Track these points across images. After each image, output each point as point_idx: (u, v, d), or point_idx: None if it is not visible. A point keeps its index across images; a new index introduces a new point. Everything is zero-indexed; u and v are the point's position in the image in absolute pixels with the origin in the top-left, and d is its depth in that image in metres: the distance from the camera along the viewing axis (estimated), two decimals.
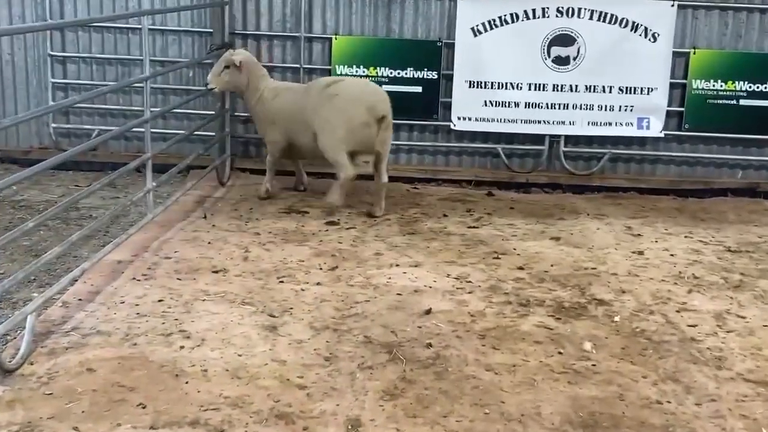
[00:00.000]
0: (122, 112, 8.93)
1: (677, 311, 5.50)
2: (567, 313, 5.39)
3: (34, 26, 8.11)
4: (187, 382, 4.29)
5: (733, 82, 8.69)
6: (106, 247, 5.83)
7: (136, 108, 8.79)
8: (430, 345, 4.82)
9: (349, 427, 3.92)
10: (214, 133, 8.52)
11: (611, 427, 4.00)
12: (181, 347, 4.70)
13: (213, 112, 8.58)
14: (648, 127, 8.72)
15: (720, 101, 8.73)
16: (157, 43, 8.84)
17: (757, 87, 8.68)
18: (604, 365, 4.66)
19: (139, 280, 5.71)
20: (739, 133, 8.81)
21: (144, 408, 4.02)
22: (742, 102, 8.72)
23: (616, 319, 5.33)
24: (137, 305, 5.26)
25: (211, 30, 8.67)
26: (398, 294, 5.60)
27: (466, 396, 4.25)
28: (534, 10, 8.50)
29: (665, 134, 8.76)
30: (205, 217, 7.23)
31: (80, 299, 5.31)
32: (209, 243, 6.53)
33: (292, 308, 5.30)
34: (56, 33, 8.81)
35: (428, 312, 5.30)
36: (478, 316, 5.28)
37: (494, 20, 8.52)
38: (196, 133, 8.15)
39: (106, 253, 5.72)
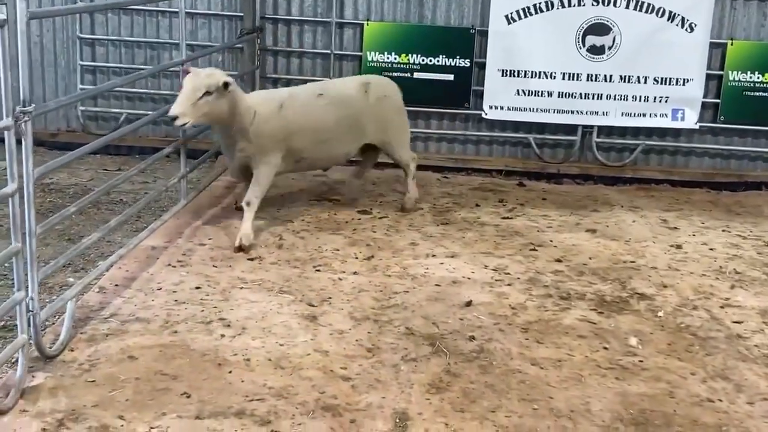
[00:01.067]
0: (150, 96, 8.86)
1: (721, 307, 5.44)
2: (609, 307, 5.34)
3: (74, 8, 7.99)
4: (230, 372, 4.25)
5: None
6: (142, 233, 5.79)
7: (164, 92, 8.75)
8: (473, 338, 4.78)
9: (397, 420, 3.88)
10: None
11: (663, 426, 3.95)
12: (222, 336, 4.66)
13: None
14: (683, 119, 8.61)
15: (757, 93, 8.62)
16: (186, 26, 8.75)
17: None
18: (651, 361, 4.61)
19: (174, 267, 5.68)
20: None
21: (188, 397, 3.99)
22: None
23: (660, 314, 5.27)
24: (175, 292, 5.23)
25: (242, 14, 8.59)
26: (437, 285, 5.55)
27: (513, 390, 4.20)
28: None
29: (700, 126, 8.66)
30: (236, 203, 7.16)
31: (117, 285, 5.28)
32: None
33: (330, 297, 5.26)
34: (85, 15, 8.76)
35: (469, 304, 5.25)
36: (520, 309, 5.23)
37: (529, 8, 8.41)
38: None
39: (141, 239, 5.68)
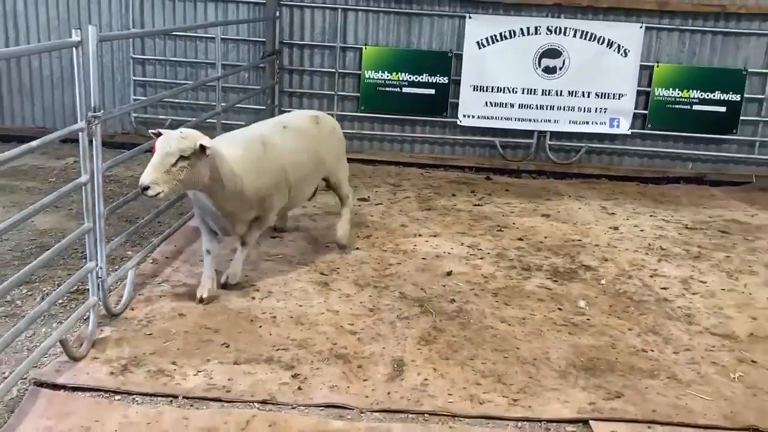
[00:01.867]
0: (190, 105, 8.79)
1: (651, 276, 5.45)
2: (562, 276, 5.34)
3: (132, 33, 7.89)
4: (260, 326, 4.25)
5: (688, 91, 8.57)
6: (186, 216, 5.74)
7: (201, 102, 8.69)
8: (453, 300, 4.78)
9: (395, 366, 3.89)
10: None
11: (607, 371, 3.97)
12: (253, 298, 4.65)
13: (264, 107, 8.47)
14: (618, 126, 8.62)
15: (677, 106, 8.62)
16: (220, 49, 8.68)
17: (708, 95, 8.57)
18: (596, 319, 4.63)
19: None
20: (691, 132, 8.70)
21: (227, 347, 3.99)
22: (695, 107, 8.60)
23: (603, 282, 5.28)
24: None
25: (264, 39, 8.52)
26: (423, 258, 5.53)
27: (487, 343, 4.22)
28: (528, 28, 8.36)
29: (632, 132, 8.66)
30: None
31: (167, 257, 5.26)
32: None
33: (338, 268, 5.24)
34: (137, 39, 8.68)
35: (449, 273, 5.24)
36: (490, 278, 5.22)
37: (495, 36, 8.38)
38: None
39: (186, 221, 5.65)
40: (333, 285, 4.93)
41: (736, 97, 8.54)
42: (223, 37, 8.46)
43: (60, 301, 4.30)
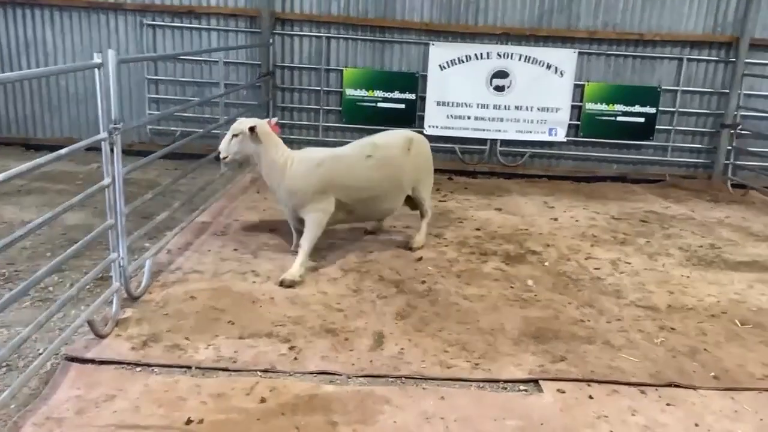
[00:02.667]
0: (197, 118, 8.59)
1: (585, 259, 5.43)
2: (513, 260, 5.30)
3: (144, 57, 7.70)
4: (260, 306, 4.15)
5: (613, 105, 8.59)
6: (195, 213, 5.62)
7: (207, 116, 8.50)
8: (424, 282, 4.72)
9: (376, 338, 3.82)
10: None
11: (553, 338, 3.94)
12: (254, 282, 4.54)
13: None
14: (556, 135, 8.61)
15: (604, 117, 8.64)
16: (221, 71, 8.52)
17: (629, 108, 8.60)
18: (542, 295, 4.60)
19: (218, 236, 5.51)
20: (615, 139, 8.73)
21: (233, 324, 3.89)
22: (619, 118, 8.63)
23: (546, 264, 5.25)
24: (219, 252, 5.09)
25: (260, 62, 8.37)
26: (397, 247, 5.46)
27: (452, 317, 4.17)
28: (481, 53, 8.32)
29: (567, 139, 8.66)
30: (258, 192, 7.00)
31: (179, 248, 5.12)
32: (264, 210, 6.33)
33: (326, 256, 5.14)
34: (151, 62, 8.47)
35: (420, 259, 5.18)
36: (454, 262, 5.17)
37: (455, 59, 8.32)
38: None
39: (195, 217, 5.52)
40: (322, 270, 4.84)
41: (652, 110, 8.59)
42: (225, 60, 8.32)
43: (87, 287, 4.15)
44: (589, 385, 3.40)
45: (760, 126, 8.54)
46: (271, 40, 8.27)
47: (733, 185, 8.47)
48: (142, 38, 8.37)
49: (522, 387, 3.40)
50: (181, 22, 8.38)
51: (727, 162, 8.63)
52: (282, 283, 4.48)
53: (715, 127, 8.64)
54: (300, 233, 4.91)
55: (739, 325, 4.24)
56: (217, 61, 7.83)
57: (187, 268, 4.72)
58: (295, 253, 4.80)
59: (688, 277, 5.11)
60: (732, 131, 8.49)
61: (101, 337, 3.58)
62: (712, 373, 3.57)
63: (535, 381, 3.44)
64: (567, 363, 3.61)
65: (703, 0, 8.30)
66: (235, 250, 5.16)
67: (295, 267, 4.61)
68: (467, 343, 3.81)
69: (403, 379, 3.42)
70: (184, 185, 7.03)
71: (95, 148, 3.66)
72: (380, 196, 5.11)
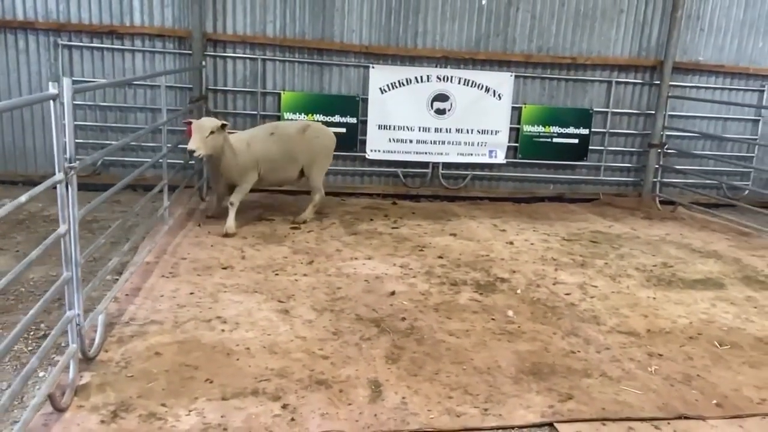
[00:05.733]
0: (125, 147, 7.94)
1: (554, 284, 5.39)
2: (485, 288, 5.18)
3: (101, 84, 7.01)
4: (237, 359, 3.75)
5: (549, 127, 8.78)
6: (142, 252, 5.09)
7: (133, 143, 7.88)
8: (404, 318, 4.47)
9: (373, 387, 3.52)
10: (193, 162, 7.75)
11: (550, 373, 3.82)
12: (222, 330, 4.12)
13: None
14: (496, 156, 8.68)
15: (541, 139, 8.81)
16: (148, 95, 7.95)
17: (564, 130, 8.82)
18: (525, 326, 4.48)
19: (167, 277, 5.01)
20: (552, 160, 8.92)
21: (211, 383, 3.47)
22: (555, 140, 8.83)
23: (518, 291, 5.16)
24: (175, 297, 4.60)
25: (191, 86, 7.87)
26: (365, 281, 5.19)
27: (444, 356, 3.95)
28: (422, 77, 8.26)
29: (507, 161, 8.74)
30: (199, 226, 6.51)
31: (127, 294, 4.59)
32: (211, 246, 5.86)
33: (293, 295, 4.80)
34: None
35: (393, 293, 4.94)
36: (427, 295, 4.97)
37: (395, 83, 8.21)
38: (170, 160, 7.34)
39: (143, 257, 4.99)
40: (293, 312, 4.48)
41: (585, 131, 8.86)
42: (152, 84, 7.79)
43: (29, 348, 3.60)
44: (604, 425, 3.28)
45: (684, 145, 9.01)
46: (203, 63, 7.81)
47: (661, 202, 8.87)
48: (57, 60, 7.66)
49: None
50: (102, 43, 7.75)
51: (655, 180, 9.03)
52: (226, 235, 6.04)
53: (643, 146, 9.03)
54: (223, 198, 6.58)
55: (719, 346, 4.31)
56: (141, 85, 7.30)
57: (143, 318, 4.22)
58: (214, 217, 6.61)
59: (654, 298, 5.18)
60: (659, 150, 8.89)
61: (61, 411, 3.06)
62: (714, 401, 3.57)
63: (550, 424, 3.27)
64: (575, 401, 3.48)
65: (629, 25, 8.68)
66: (192, 293, 4.70)
67: (231, 220, 6.17)
68: (468, 385, 3.60)
69: None
70: (107, 220, 6.42)
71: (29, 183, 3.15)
72: (280, 166, 6.57)
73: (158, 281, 4.90)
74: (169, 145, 5.82)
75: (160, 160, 5.57)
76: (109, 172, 7.91)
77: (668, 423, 3.33)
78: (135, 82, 7.79)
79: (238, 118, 8.20)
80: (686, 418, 3.39)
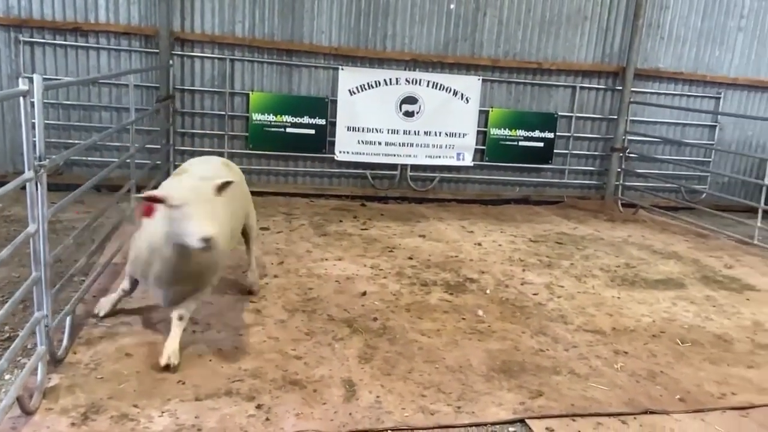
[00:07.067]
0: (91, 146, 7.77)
1: (521, 284, 5.48)
2: (455, 289, 5.24)
3: (74, 81, 6.74)
4: (210, 360, 3.72)
5: (515, 130, 8.93)
6: (108, 252, 4.99)
7: (99, 143, 7.71)
8: (375, 319, 4.50)
9: (347, 386, 3.54)
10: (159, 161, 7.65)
11: (521, 371, 3.89)
12: (194, 331, 4.08)
13: (159, 146, 7.70)
14: (463, 159, 8.78)
15: (507, 142, 8.95)
16: (113, 94, 7.81)
17: (529, 133, 8.98)
18: (495, 326, 4.55)
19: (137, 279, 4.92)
20: (518, 163, 9.07)
21: (183, 384, 3.44)
22: (521, 143, 8.98)
23: (487, 292, 5.24)
24: (144, 298, 4.51)
25: (158, 85, 7.76)
26: (336, 281, 5.20)
27: (417, 356, 3.99)
28: (390, 79, 8.31)
29: (474, 164, 8.85)
30: None
31: (95, 296, 4.49)
32: None
33: (264, 296, 4.78)
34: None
35: (364, 294, 4.96)
36: (399, 295, 5.01)
37: (364, 85, 8.24)
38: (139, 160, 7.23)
39: (112, 258, 4.90)
40: (265, 312, 4.47)
41: (551, 135, 9.03)
42: (118, 83, 7.66)
43: None
44: (573, 420, 3.36)
45: (644, 149, 9.27)
46: (170, 62, 7.70)
47: (623, 204, 9.10)
48: (18, 57, 7.46)
49: (511, 429, 3.29)
50: (65, 40, 7.58)
51: (618, 183, 9.26)
52: (167, 368, 3.51)
53: (606, 150, 9.24)
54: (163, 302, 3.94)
55: (681, 344, 4.45)
56: (107, 84, 7.17)
57: (112, 320, 4.15)
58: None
59: (618, 298, 5.32)
60: (621, 154, 9.12)
61: (29, 413, 2.99)
62: (678, 396, 3.69)
63: (522, 420, 3.34)
64: (545, 398, 3.55)
65: (592, 32, 8.90)
66: None
67: (176, 343, 3.66)
68: (441, 384, 3.64)
69: (389, 431, 3.18)
70: (72, 220, 6.28)
71: None
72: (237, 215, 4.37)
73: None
74: (136, 145, 5.72)
75: (128, 160, 5.46)
76: (73, 172, 7.73)
77: (634, 418, 3.43)
78: (101, 81, 7.63)
79: (206, 118, 8.12)
80: (651, 412, 3.49)
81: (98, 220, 5.93)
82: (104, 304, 4.19)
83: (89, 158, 7.80)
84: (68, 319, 3.78)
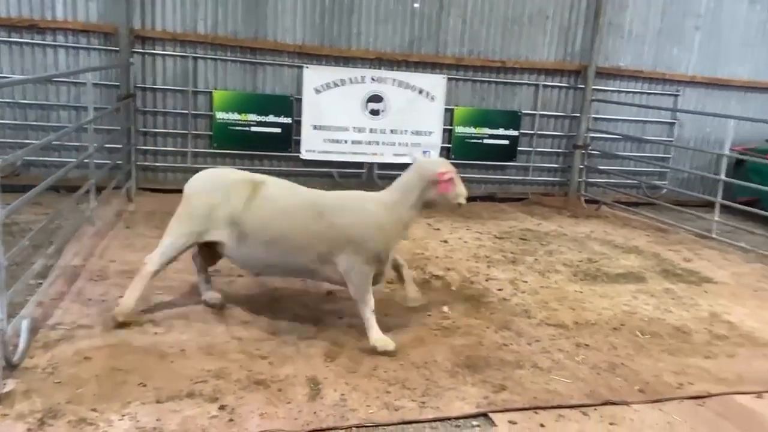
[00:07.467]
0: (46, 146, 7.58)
1: (486, 280, 5.54)
2: (421, 286, 5.20)
3: (21, 80, 6.62)
4: (172, 362, 3.66)
5: (480, 128, 9.01)
6: (68, 255, 4.89)
7: (56, 143, 7.53)
8: (341, 317, 4.49)
9: (312, 385, 3.52)
10: (121, 162, 7.52)
11: (484, 366, 3.92)
12: (155, 333, 4.02)
13: (120, 146, 7.56)
14: (430, 157, 8.77)
15: (472, 140, 9.03)
16: (72, 93, 7.64)
17: (494, 131, 9.07)
18: (460, 322, 4.59)
19: (95, 281, 4.84)
20: (483, 161, 9.15)
21: (145, 386, 3.38)
22: (485, 141, 9.07)
23: (453, 288, 5.28)
24: (104, 301, 4.45)
25: (118, 83, 7.62)
26: (302, 281, 5.14)
27: (382, 352, 3.97)
28: (356, 77, 8.30)
29: None
30: (128, 228, 6.30)
31: (53, 299, 4.40)
32: (143, 248, 5.65)
33: (229, 295, 4.72)
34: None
35: (329, 293, 4.94)
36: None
37: (329, 83, 8.22)
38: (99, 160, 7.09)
39: (70, 260, 4.79)
40: (229, 312, 4.42)
41: (515, 133, 9.14)
42: (76, 81, 7.49)
43: None
44: (536, 413, 3.41)
45: (606, 146, 9.44)
46: (131, 60, 7.57)
47: (586, 201, 9.26)
48: None
49: (475, 422, 3.31)
50: (21, 38, 7.39)
51: (580, 180, 9.41)
52: None
53: (569, 148, 9.40)
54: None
55: (641, 336, 4.55)
56: (64, 83, 7.00)
57: (70, 323, 4.06)
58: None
59: (581, 292, 5.41)
60: (583, 152, 9.28)
61: None
62: (637, 387, 3.77)
63: (485, 414, 3.37)
64: (509, 391, 3.59)
65: (554, 31, 9.03)
66: (122, 296, 4.51)
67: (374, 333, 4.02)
68: (406, 380, 3.65)
69: (354, 429, 3.18)
70: (30, 222, 6.11)
71: None
72: None
73: (86, 285, 4.73)
74: (95, 145, 5.61)
75: (86, 160, 5.34)
76: (30, 173, 7.53)
77: (595, 409, 3.50)
78: (58, 79, 7.46)
79: (169, 117, 8.00)
80: (612, 403, 3.56)
81: (56, 222, 5.83)
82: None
83: (47, 159, 7.62)
84: (24, 322, 3.68)
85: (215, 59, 8.00)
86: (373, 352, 3.96)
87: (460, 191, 4.27)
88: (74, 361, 3.56)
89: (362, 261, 3.95)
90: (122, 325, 4.01)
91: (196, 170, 7.67)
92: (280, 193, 4.15)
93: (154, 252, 4.17)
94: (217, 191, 4.14)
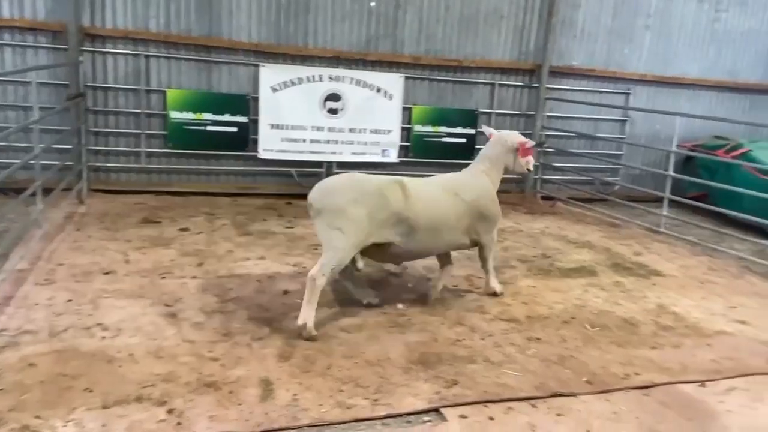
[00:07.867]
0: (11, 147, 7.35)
1: None
2: (377, 284, 5.26)
3: None
4: (120, 366, 3.60)
5: (437, 127, 9.07)
6: (14, 258, 4.75)
7: (4, 143, 7.31)
8: (296, 317, 4.44)
9: (264, 386, 3.51)
10: (72, 162, 7.33)
11: (437, 362, 3.95)
12: (103, 338, 3.94)
13: (71, 146, 7.37)
14: (389, 156, 8.81)
15: (431, 139, 9.08)
16: (19, 92, 7.42)
17: (452, 130, 9.14)
18: (415, 318, 4.62)
19: (42, 285, 4.72)
20: (441, 159, 9.19)
21: (91, 392, 3.31)
22: (444, 139, 9.13)
23: (410, 285, 5.31)
24: (51, 305, 4.35)
25: (67, 82, 7.43)
26: (258, 281, 5.14)
27: (336, 351, 3.99)
28: (314, 76, 8.24)
29: (400, 160, 8.90)
30: (78, 230, 6.16)
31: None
32: (93, 250, 5.57)
33: (181, 298, 4.67)
34: None
35: (286, 293, 4.92)
36: (322, 293, 4.92)
37: (287, 81, 8.15)
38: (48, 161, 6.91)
39: (15, 264, 4.66)
40: (181, 315, 4.36)
41: (472, 131, 9.23)
42: (23, 80, 7.28)
43: None
44: (486, 406, 3.46)
45: (561, 144, 9.61)
46: (80, 58, 7.39)
47: (542, 198, 9.41)
48: None
49: (426, 418, 3.35)
50: None
51: (536, 177, 9.56)
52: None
53: None
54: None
55: (590, 328, 4.66)
56: (11, 82, 6.79)
57: (14, 329, 3.95)
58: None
59: (534, 287, 5.50)
60: (539, 149, 9.42)
61: None
62: (585, 378, 3.85)
63: (436, 409, 3.40)
64: (460, 386, 3.63)
65: (509, 31, 9.15)
66: (70, 300, 4.45)
67: (494, 281, 5.19)
68: (359, 378, 3.66)
69: (305, 429, 3.17)
70: None
71: None
72: None
73: (32, 289, 4.60)
74: (42, 145, 5.46)
75: (32, 161, 5.20)
76: None
77: (544, 401, 3.56)
78: (3, 79, 7.24)
79: (121, 116, 7.84)
80: (560, 395, 3.64)
81: (1, 225, 5.67)
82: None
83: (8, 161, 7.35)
84: None
85: (168, 57, 7.87)
86: (327, 351, 3.96)
87: (531, 159, 5.12)
88: (18, 368, 3.47)
89: (491, 225, 4.89)
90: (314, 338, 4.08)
91: (150, 170, 7.60)
92: (422, 187, 4.63)
93: (321, 267, 4.17)
94: (371, 197, 4.31)
